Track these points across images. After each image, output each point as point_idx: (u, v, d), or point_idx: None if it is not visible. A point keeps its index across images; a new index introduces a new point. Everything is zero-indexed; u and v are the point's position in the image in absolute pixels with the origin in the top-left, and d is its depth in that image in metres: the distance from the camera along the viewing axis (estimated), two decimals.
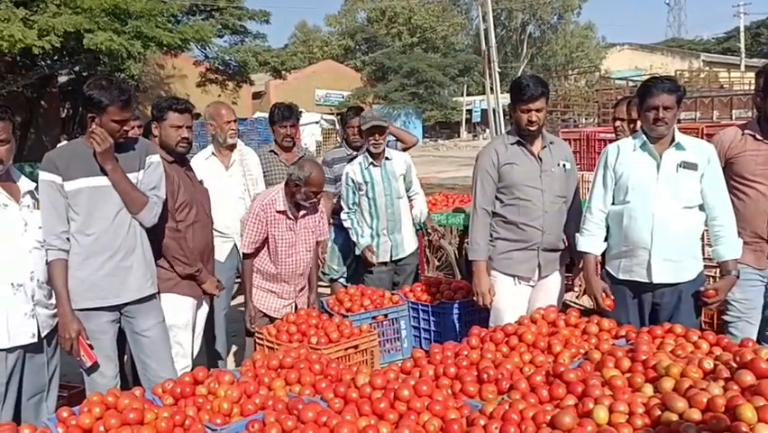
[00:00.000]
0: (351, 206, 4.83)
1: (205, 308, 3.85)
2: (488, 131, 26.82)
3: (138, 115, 4.81)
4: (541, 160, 3.64)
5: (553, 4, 47.46)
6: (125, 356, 3.98)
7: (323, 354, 3.38)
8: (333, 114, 31.28)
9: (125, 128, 3.19)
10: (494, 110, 20.83)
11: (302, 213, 4.11)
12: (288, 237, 4.08)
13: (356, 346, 3.79)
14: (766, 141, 3.43)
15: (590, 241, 3.48)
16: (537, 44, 49.47)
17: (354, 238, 4.81)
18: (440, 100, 41.42)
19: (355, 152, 5.14)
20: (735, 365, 2.37)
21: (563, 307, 3.87)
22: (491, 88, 20.73)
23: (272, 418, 2.43)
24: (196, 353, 3.85)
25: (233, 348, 5.34)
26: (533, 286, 3.75)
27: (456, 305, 4.39)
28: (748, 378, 2.22)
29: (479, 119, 41.98)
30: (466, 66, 42.71)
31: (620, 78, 25.94)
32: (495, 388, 2.69)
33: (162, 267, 3.49)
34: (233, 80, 24.88)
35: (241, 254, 4.37)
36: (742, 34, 46.94)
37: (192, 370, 3.13)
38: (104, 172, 3.12)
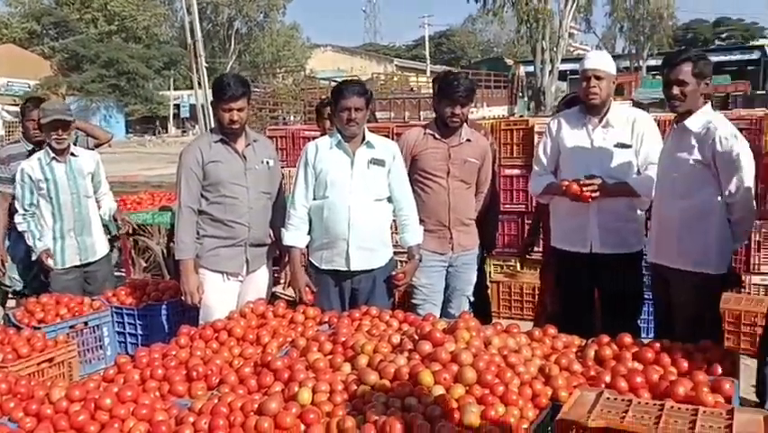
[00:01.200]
0: (27, 207, 4.32)
1: None
2: (197, 126, 26.19)
3: None
4: (245, 157, 3.71)
5: (258, 2, 47.93)
6: None
7: (10, 372, 3.05)
8: (17, 105, 27.83)
9: None
10: (203, 105, 20.40)
11: None
12: None
13: (51, 360, 3.50)
14: (443, 140, 3.91)
15: (295, 235, 3.66)
16: (245, 41, 49.53)
17: (31, 242, 4.32)
18: (144, 93, 39.43)
19: (36, 148, 4.65)
20: (417, 337, 2.71)
21: (272, 298, 4.01)
22: (199, 83, 20.27)
23: None
24: None
25: None
26: (241, 281, 3.81)
27: (164, 306, 4.28)
28: (427, 347, 2.57)
29: (187, 114, 40.78)
30: (172, 59, 41.21)
31: (324, 79, 27.26)
32: (205, 384, 2.72)
33: None
34: None
35: None
36: (426, 43, 52.73)
37: None
38: None
